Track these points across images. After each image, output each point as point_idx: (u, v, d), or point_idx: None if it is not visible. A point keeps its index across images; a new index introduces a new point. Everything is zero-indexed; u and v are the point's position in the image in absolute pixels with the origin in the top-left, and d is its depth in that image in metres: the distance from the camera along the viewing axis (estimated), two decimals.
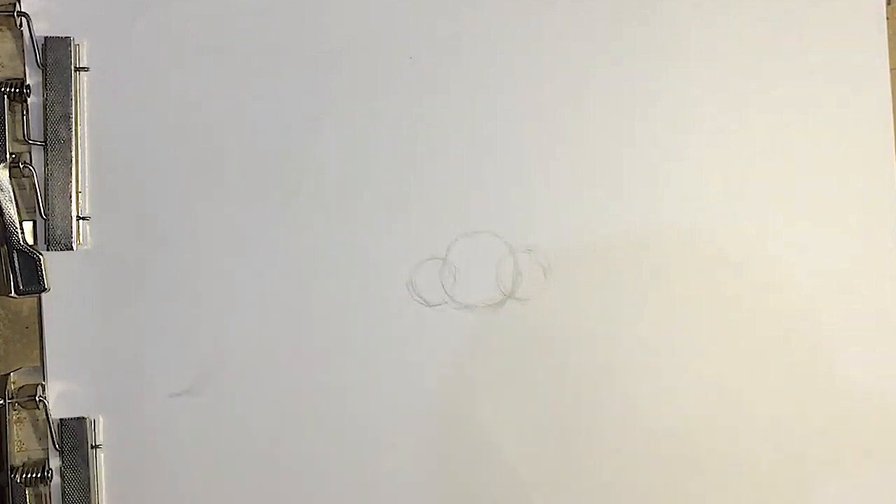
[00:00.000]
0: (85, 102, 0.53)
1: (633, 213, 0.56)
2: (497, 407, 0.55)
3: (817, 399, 0.57)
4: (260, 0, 0.54)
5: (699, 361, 0.56)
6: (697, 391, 0.56)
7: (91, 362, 0.53)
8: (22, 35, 0.52)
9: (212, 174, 0.54)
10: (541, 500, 0.56)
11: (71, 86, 0.52)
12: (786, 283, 0.57)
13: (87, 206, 0.53)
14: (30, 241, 0.52)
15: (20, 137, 0.52)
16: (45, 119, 0.52)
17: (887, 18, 0.58)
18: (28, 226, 0.52)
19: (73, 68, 0.52)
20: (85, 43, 0.53)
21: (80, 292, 0.53)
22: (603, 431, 0.56)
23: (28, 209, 0.52)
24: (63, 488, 0.52)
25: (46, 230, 0.52)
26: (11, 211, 0.51)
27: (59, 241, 0.52)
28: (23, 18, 0.52)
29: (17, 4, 0.52)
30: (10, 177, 0.52)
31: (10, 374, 0.52)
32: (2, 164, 0.51)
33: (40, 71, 0.52)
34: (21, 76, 0.52)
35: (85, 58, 0.53)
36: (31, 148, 0.52)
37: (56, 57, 0.52)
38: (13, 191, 0.52)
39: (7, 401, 0.51)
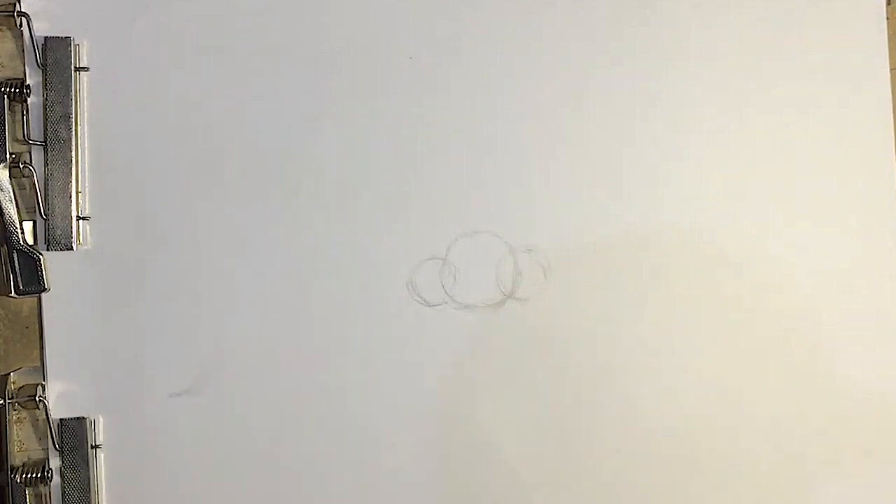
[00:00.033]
0: (85, 102, 0.53)
1: (633, 213, 0.56)
2: (497, 407, 0.55)
3: (817, 399, 0.57)
4: (260, 0, 0.54)
5: (699, 361, 0.56)
6: (697, 391, 0.56)
7: (91, 362, 0.53)
8: (22, 35, 0.52)
9: (212, 174, 0.54)
10: (541, 500, 0.56)
11: (71, 86, 0.52)
12: (786, 283, 0.57)
13: (87, 206, 0.53)
14: (30, 241, 0.52)
15: (20, 137, 0.52)
16: (45, 119, 0.52)
17: (887, 18, 0.58)
18: (28, 226, 0.52)
19: (73, 68, 0.52)
20: (85, 43, 0.53)
21: (80, 292, 0.53)
22: (603, 431, 0.56)
23: (28, 209, 0.52)
24: (63, 488, 0.52)
25: (46, 230, 0.52)
26: (11, 211, 0.51)
27: (59, 241, 0.52)
28: (23, 18, 0.52)
29: (17, 4, 0.52)
30: (10, 177, 0.52)
31: (10, 374, 0.52)
32: (2, 164, 0.51)
33: (40, 71, 0.52)
34: (21, 76, 0.52)
35: (85, 58, 0.53)
36: (31, 148, 0.52)
37: (56, 57, 0.52)
38: (13, 191, 0.52)
39: (7, 401, 0.51)
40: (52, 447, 0.52)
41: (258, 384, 0.54)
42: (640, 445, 0.56)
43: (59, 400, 0.52)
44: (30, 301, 0.52)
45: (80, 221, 0.52)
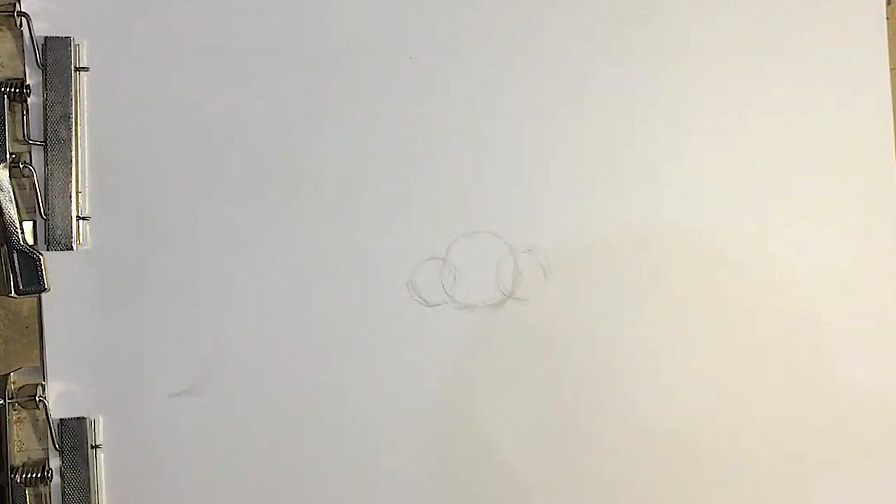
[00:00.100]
0: (85, 102, 0.53)
1: (633, 213, 0.56)
2: (497, 407, 0.55)
3: (817, 399, 0.57)
4: (260, 0, 0.54)
5: (699, 361, 0.56)
6: (697, 391, 0.56)
7: (91, 362, 0.53)
8: (22, 35, 0.52)
9: (212, 174, 0.54)
10: (541, 500, 0.56)
11: (71, 86, 0.52)
12: (786, 283, 0.57)
13: (87, 206, 0.53)
14: (30, 241, 0.52)
15: (20, 137, 0.52)
16: (45, 119, 0.52)
17: (887, 18, 0.58)
18: (28, 226, 0.52)
19: (73, 68, 0.52)
20: (85, 43, 0.53)
21: (80, 292, 0.53)
22: (603, 431, 0.56)
23: (28, 209, 0.52)
24: (63, 488, 0.52)
25: (46, 230, 0.52)
26: (11, 211, 0.51)
27: (59, 241, 0.52)
28: (23, 18, 0.52)
29: (17, 4, 0.52)
30: (10, 177, 0.52)
31: (10, 374, 0.52)
32: (2, 164, 0.51)
33: (40, 71, 0.52)
34: (21, 76, 0.52)
35: (85, 58, 0.53)
36: (31, 148, 0.52)
37: (56, 57, 0.52)
38: (13, 191, 0.52)
39: (7, 401, 0.51)
40: (52, 447, 0.52)
41: (258, 384, 0.54)
42: (640, 445, 0.56)
43: (59, 400, 0.52)
44: (30, 301, 0.52)
45: (80, 221, 0.52)
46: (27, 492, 0.51)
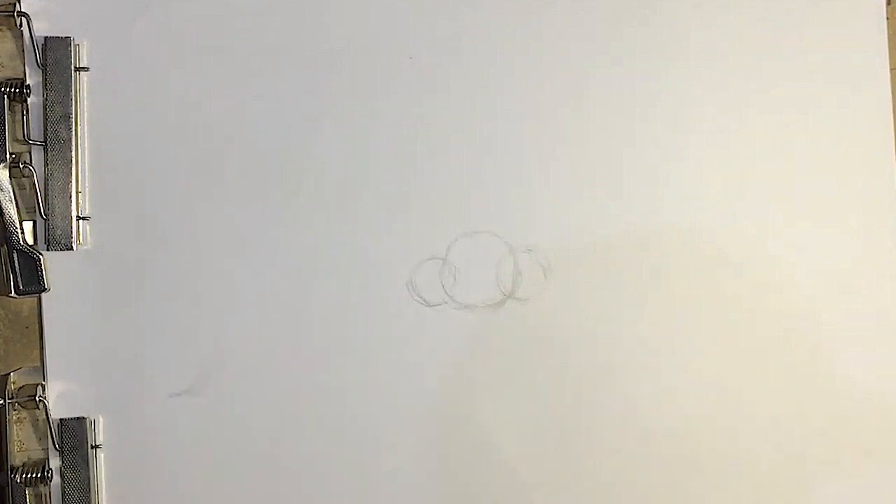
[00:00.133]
0: (85, 102, 0.53)
1: (633, 213, 0.56)
2: (497, 407, 0.55)
3: (817, 399, 0.57)
4: (260, 0, 0.54)
5: (699, 361, 0.56)
6: (697, 391, 0.56)
7: (91, 362, 0.53)
8: (22, 35, 0.52)
9: (212, 174, 0.54)
10: (541, 500, 0.56)
11: (71, 86, 0.52)
12: (786, 283, 0.57)
13: (87, 206, 0.53)
14: (30, 241, 0.52)
15: (20, 137, 0.52)
16: (45, 119, 0.52)
17: (887, 18, 0.58)
18: (28, 226, 0.52)
19: (73, 68, 0.52)
20: (85, 43, 0.53)
21: (80, 292, 0.53)
22: (603, 431, 0.56)
23: (28, 209, 0.52)
24: (63, 488, 0.52)
25: (46, 230, 0.52)
26: (11, 211, 0.51)
27: (59, 241, 0.52)
28: (23, 18, 0.52)
29: (17, 4, 0.52)
30: (10, 177, 0.52)
31: (10, 374, 0.52)
32: (2, 164, 0.51)
33: (40, 71, 0.52)
34: (21, 76, 0.52)
35: (85, 58, 0.53)
36: (31, 148, 0.52)
37: (56, 57, 0.52)
38: (13, 191, 0.52)
39: (7, 401, 0.51)
40: (52, 447, 0.52)
41: (258, 384, 0.54)
42: (640, 445, 0.56)
43: (59, 400, 0.52)
44: (30, 301, 0.52)
45: (80, 221, 0.52)
46: (27, 492, 0.51)
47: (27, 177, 0.52)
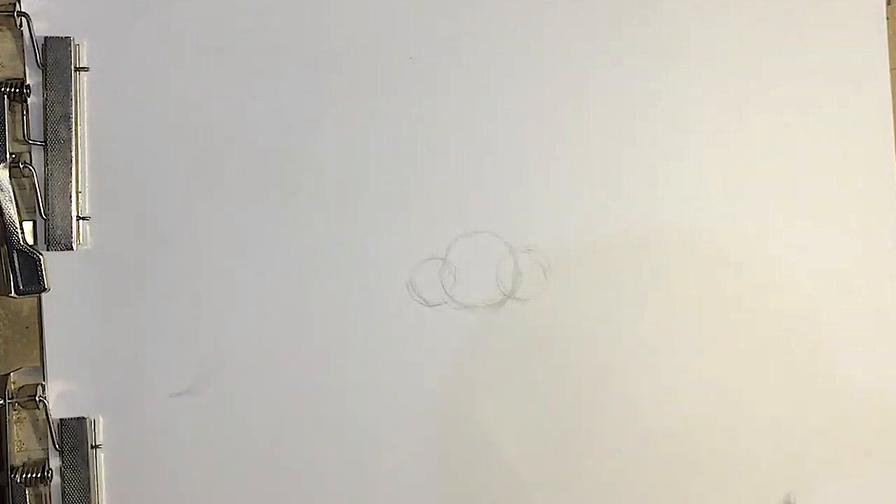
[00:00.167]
0: (85, 102, 0.53)
1: (633, 213, 0.56)
2: (497, 407, 0.55)
3: (817, 399, 0.57)
4: (260, 0, 0.54)
5: (699, 361, 0.56)
6: (697, 391, 0.56)
7: (91, 362, 0.53)
8: (22, 35, 0.52)
9: (212, 174, 0.54)
10: (541, 500, 0.56)
11: (71, 86, 0.52)
12: (786, 283, 0.57)
13: (87, 206, 0.53)
14: (30, 241, 0.52)
15: (20, 137, 0.52)
16: (45, 119, 0.52)
17: (887, 18, 0.58)
18: (28, 226, 0.52)
19: (73, 68, 0.52)
20: (85, 43, 0.53)
21: (80, 292, 0.53)
22: (603, 431, 0.56)
23: (28, 209, 0.52)
24: (63, 488, 0.52)
25: (46, 230, 0.52)
26: (11, 211, 0.51)
27: (59, 241, 0.52)
28: (23, 18, 0.52)
29: (17, 4, 0.52)
30: (10, 177, 0.52)
31: (10, 374, 0.52)
32: (2, 164, 0.51)
33: (40, 71, 0.52)
34: (21, 76, 0.52)
35: (85, 58, 0.53)
36: (31, 148, 0.52)
37: (56, 57, 0.52)
38: (13, 191, 0.52)
39: (7, 401, 0.51)
40: (52, 447, 0.52)
41: (258, 384, 0.54)
42: (640, 445, 0.56)
43: (59, 400, 0.52)
44: (30, 301, 0.52)
45: (80, 221, 0.52)
46: (27, 492, 0.51)
47: (27, 177, 0.52)
